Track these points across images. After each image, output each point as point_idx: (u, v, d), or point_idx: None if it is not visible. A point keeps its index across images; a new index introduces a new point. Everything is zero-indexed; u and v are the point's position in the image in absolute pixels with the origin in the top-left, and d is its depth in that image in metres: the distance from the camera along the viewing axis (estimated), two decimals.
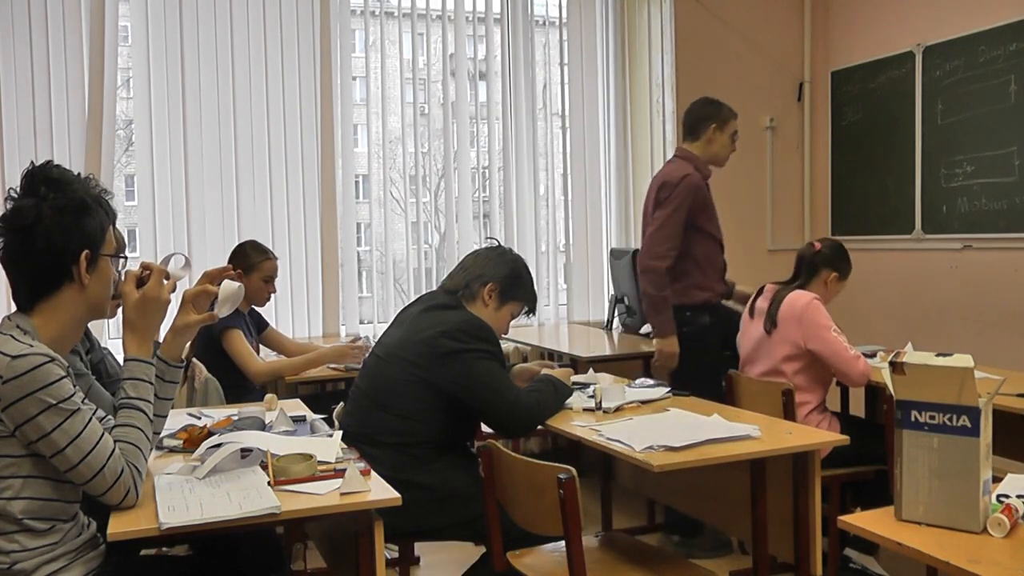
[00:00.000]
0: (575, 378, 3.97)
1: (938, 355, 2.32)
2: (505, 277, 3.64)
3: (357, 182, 6.43)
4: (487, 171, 6.67)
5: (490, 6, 6.65)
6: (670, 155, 6.77)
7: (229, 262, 4.83)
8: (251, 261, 4.91)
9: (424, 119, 6.64)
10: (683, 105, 6.84)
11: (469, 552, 3.57)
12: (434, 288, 3.89)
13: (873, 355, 4.68)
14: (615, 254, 6.35)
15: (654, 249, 4.85)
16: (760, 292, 4.55)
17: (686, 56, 7.05)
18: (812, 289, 4.41)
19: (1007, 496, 2.31)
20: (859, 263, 7.19)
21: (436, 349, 3.37)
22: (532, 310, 3.80)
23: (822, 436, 3.42)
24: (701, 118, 5.10)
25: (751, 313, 4.54)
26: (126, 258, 2.77)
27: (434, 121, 6.62)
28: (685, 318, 4.92)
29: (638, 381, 4.11)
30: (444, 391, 3.37)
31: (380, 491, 2.54)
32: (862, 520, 2.31)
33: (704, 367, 4.78)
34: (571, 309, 6.94)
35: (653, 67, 7.06)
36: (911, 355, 2.33)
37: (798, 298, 4.30)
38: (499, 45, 6.71)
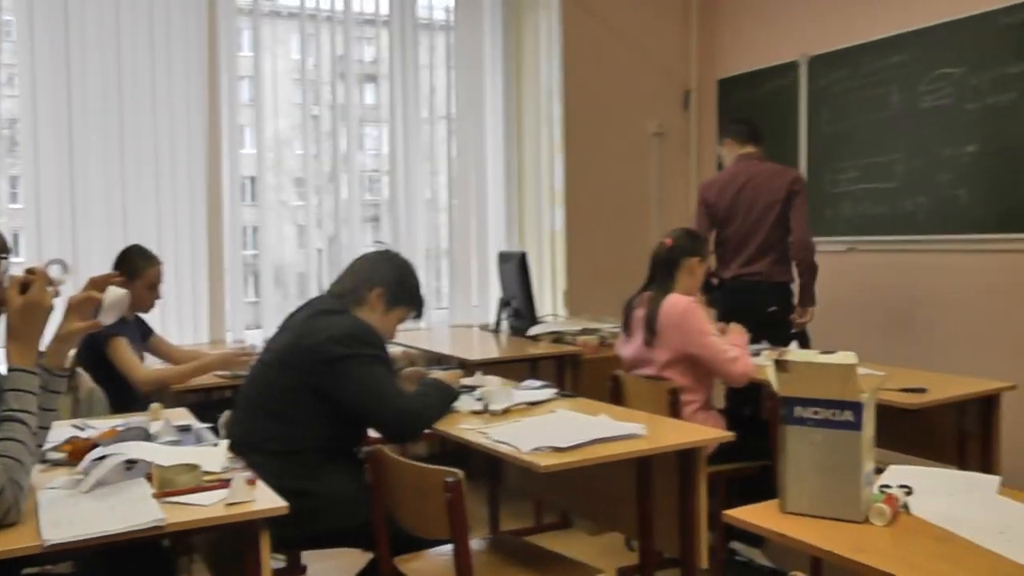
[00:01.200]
0: (463, 381, 3.95)
1: (822, 353, 2.37)
2: (393, 281, 3.61)
3: (244, 184, 6.33)
4: (375, 174, 6.62)
5: (378, 8, 6.61)
6: (558, 159, 6.90)
7: (114, 267, 4.71)
8: (136, 267, 4.79)
9: (313, 121, 6.55)
10: (571, 110, 6.99)
11: (357, 559, 3.53)
12: (322, 293, 3.85)
13: (758, 353, 4.75)
14: (503, 257, 6.36)
15: (810, 236, 5.41)
16: (631, 303, 4.56)
17: (574, 62, 7.10)
18: (680, 283, 4.39)
19: (889, 487, 2.38)
20: None
21: (323, 355, 3.33)
22: (420, 314, 3.79)
23: (707, 433, 3.47)
24: (758, 128, 5.69)
25: (628, 325, 4.56)
26: (7, 259, 2.68)
27: (323, 123, 6.54)
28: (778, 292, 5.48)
29: (525, 383, 4.13)
30: (331, 397, 3.33)
31: (266, 500, 2.50)
32: (747, 514, 2.35)
33: None
34: (459, 312, 6.93)
35: (541, 72, 7.09)
36: (795, 353, 2.38)
37: (675, 304, 4.28)
38: (387, 48, 6.66)
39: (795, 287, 5.48)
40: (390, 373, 3.49)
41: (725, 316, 5.09)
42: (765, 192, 5.43)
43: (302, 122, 6.43)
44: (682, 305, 4.28)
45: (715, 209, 5.55)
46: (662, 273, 4.43)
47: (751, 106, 7.26)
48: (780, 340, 5.07)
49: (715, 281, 5.55)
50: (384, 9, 6.60)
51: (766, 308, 5.40)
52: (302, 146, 6.49)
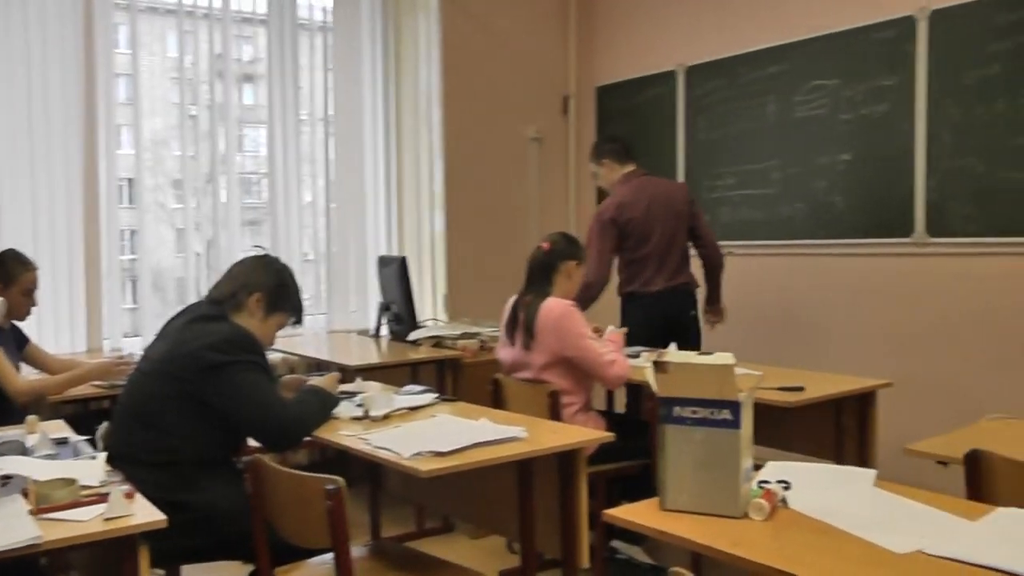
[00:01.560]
0: (342, 387, 3.94)
1: (700, 354, 2.42)
2: (272, 287, 3.57)
3: (122, 186, 6.17)
4: (254, 176, 6.52)
5: (256, 6, 6.51)
6: (437, 163, 6.92)
7: None
8: (11, 272, 4.65)
9: (191, 121, 6.42)
10: (451, 114, 6.99)
11: (238, 571, 3.48)
12: (201, 298, 3.79)
13: (637, 355, 4.82)
14: (383, 261, 6.33)
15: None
16: (512, 307, 4.59)
17: (453, 66, 7.11)
18: (558, 286, 4.44)
19: (768, 482, 2.44)
20: None
21: (200, 362, 3.27)
22: (299, 320, 3.74)
23: (587, 434, 3.51)
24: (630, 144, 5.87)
25: (507, 328, 4.58)
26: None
27: (201, 124, 6.41)
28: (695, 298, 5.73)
29: (406, 388, 4.13)
30: (209, 405, 3.27)
31: (145, 514, 2.46)
32: (627, 512, 2.39)
33: None
34: (337, 318, 6.87)
35: (420, 75, 7.08)
36: (674, 354, 2.42)
37: (553, 307, 4.33)
38: (265, 47, 6.58)
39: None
40: (269, 380, 3.45)
41: (647, 327, 5.37)
42: (671, 206, 5.57)
43: (180, 122, 6.30)
44: (559, 309, 4.33)
45: (628, 229, 5.59)
46: (540, 277, 4.48)
47: (629, 113, 7.38)
48: (697, 344, 5.50)
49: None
50: (262, 7, 6.51)
51: (689, 313, 5.62)
52: (180, 147, 6.35)
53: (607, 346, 4.41)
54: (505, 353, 4.59)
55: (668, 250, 5.55)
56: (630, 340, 4.90)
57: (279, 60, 6.56)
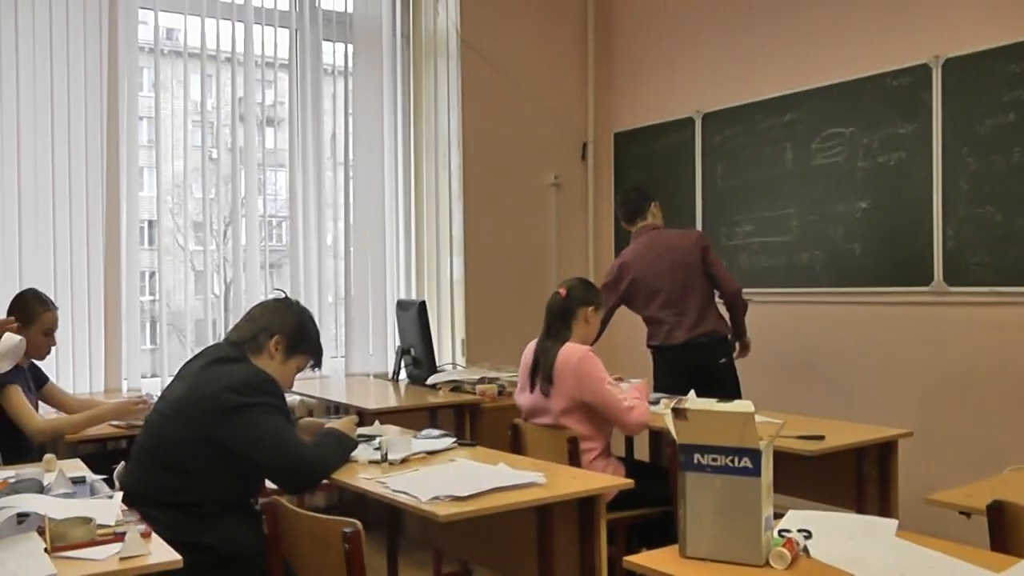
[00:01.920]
0: (361, 430, 3.93)
1: (719, 401, 2.41)
2: (292, 329, 3.58)
3: (142, 228, 6.20)
4: (274, 219, 6.55)
5: (277, 51, 6.56)
6: (456, 208, 6.96)
7: (8, 313, 4.59)
8: (32, 312, 4.67)
9: (212, 164, 6.46)
10: (469, 158, 7.02)
11: None
12: (220, 340, 3.79)
13: (657, 402, 4.81)
14: (401, 305, 6.34)
15: (732, 280, 5.72)
16: (532, 353, 4.58)
17: (472, 111, 7.15)
18: (576, 332, 4.45)
19: (788, 531, 2.42)
20: None
21: (220, 404, 3.27)
22: (318, 363, 3.75)
23: (607, 480, 3.50)
24: (641, 202, 5.86)
25: (526, 374, 4.57)
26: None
27: (222, 166, 6.46)
28: (730, 347, 5.73)
29: (424, 432, 4.10)
30: (228, 447, 3.27)
31: (161, 554, 2.45)
32: (647, 559, 2.37)
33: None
34: (357, 361, 6.85)
35: (440, 120, 7.11)
36: (693, 401, 2.42)
37: (571, 353, 4.33)
38: (287, 91, 6.63)
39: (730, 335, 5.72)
40: (288, 423, 3.44)
41: (676, 378, 5.41)
42: (678, 258, 5.60)
43: (201, 165, 6.33)
44: (578, 354, 4.32)
45: (632, 289, 5.70)
46: (557, 323, 4.47)
47: (647, 159, 7.41)
48: (730, 391, 5.42)
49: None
50: (284, 53, 6.57)
51: (719, 361, 5.59)
52: (201, 189, 6.37)
53: (630, 392, 4.41)
54: (524, 398, 4.58)
55: (683, 300, 5.55)
56: (661, 391, 4.95)
57: (301, 104, 6.60)
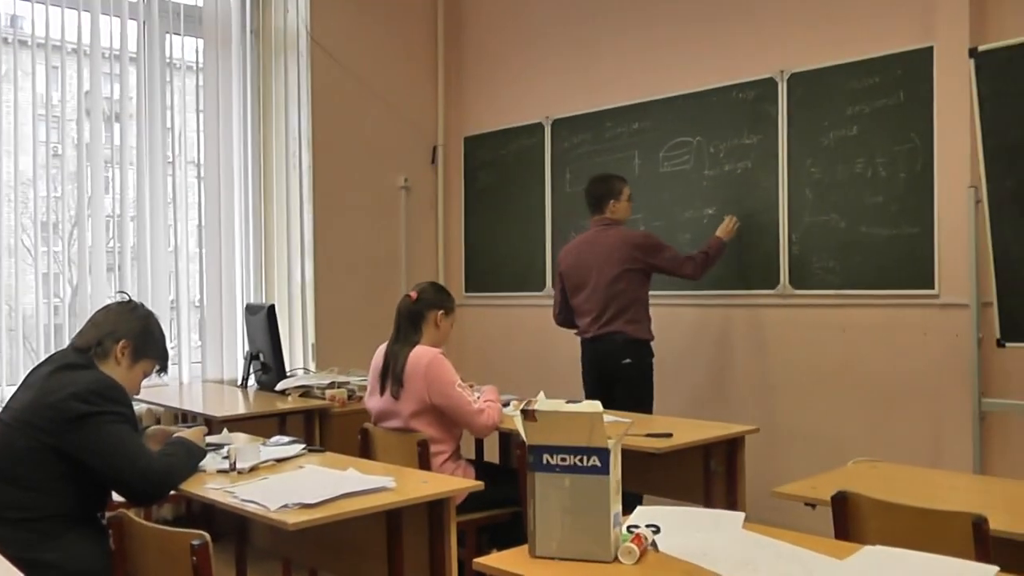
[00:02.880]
0: (209, 439, 3.86)
1: (568, 402, 2.44)
2: (138, 334, 3.49)
3: None
4: (120, 219, 6.34)
5: (126, 44, 6.33)
6: (307, 209, 6.88)
7: None
8: None
9: (57, 160, 6.23)
10: (320, 159, 6.95)
11: None
12: (65, 346, 3.68)
13: (507, 404, 4.83)
14: (250, 309, 6.25)
15: (682, 266, 5.63)
16: (381, 356, 4.58)
17: (322, 111, 7.10)
18: (426, 335, 4.47)
19: (637, 526, 2.47)
20: (494, 318, 7.49)
21: (65, 413, 3.16)
22: (164, 368, 3.66)
23: (456, 483, 3.54)
24: (600, 197, 5.78)
25: (376, 377, 4.56)
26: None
27: (68, 163, 6.22)
28: (646, 350, 5.58)
29: (273, 439, 4.06)
30: (73, 458, 3.16)
31: (2, 573, 2.37)
32: (497, 560, 2.40)
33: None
34: (205, 367, 6.72)
35: (290, 120, 7.03)
36: (542, 403, 2.44)
37: (421, 356, 4.35)
38: (134, 86, 6.42)
39: (652, 344, 5.65)
40: (135, 432, 3.36)
41: (586, 372, 5.65)
42: (607, 255, 5.60)
43: (46, 161, 6.08)
44: (428, 357, 4.34)
45: (564, 280, 5.83)
46: (408, 326, 4.49)
47: (497, 164, 7.47)
48: (633, 391, 5.47)
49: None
50: (132, 45, 6.37)
51: (621, 361, 5.55)
52: (46, 187, 6.13)
53: (484, 395, 4.44)
54: (374, 402, 4.56)
55: (604, 297, 5.58)
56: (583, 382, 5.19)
57: (148, 99, 6.43)
